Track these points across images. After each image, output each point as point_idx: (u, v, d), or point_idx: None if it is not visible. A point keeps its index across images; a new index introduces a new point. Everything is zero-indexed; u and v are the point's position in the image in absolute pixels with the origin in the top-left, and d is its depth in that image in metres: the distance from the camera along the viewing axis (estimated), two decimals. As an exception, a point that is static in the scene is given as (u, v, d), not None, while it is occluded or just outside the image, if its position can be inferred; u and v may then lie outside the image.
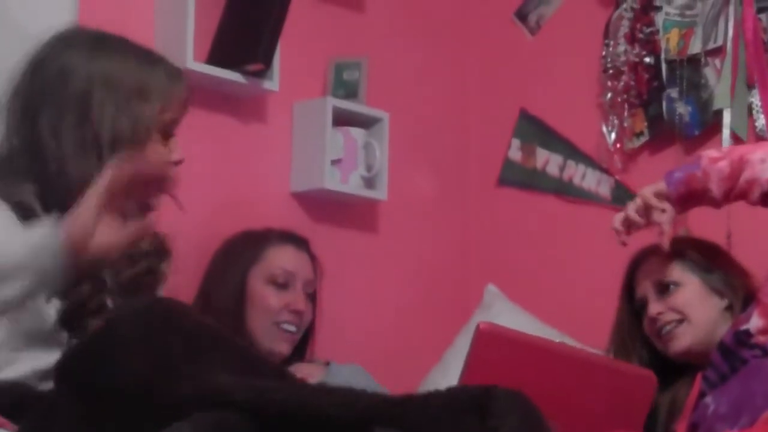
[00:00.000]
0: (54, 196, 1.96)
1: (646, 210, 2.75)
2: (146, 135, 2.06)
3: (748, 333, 2.57)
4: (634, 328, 2.83)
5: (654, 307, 2.78)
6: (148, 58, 2.17)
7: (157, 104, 2.10)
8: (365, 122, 3.52)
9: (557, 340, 2.84)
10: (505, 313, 3.53)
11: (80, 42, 2.14)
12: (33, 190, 1.98)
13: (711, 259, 2.84)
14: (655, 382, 2.59)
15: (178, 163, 2.17)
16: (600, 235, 3.63)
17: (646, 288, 2.83)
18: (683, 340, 2.75)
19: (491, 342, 2.31)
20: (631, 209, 2.75)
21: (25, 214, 1.92)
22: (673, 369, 2.77)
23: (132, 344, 1.70)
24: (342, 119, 3.46)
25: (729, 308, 2.78)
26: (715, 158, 2.64)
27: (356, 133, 3.48)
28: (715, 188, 2.63)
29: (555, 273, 3.72)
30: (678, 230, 3.45)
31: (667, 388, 2.73)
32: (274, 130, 3.42)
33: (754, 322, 2.57)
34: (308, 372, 2.84)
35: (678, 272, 2.81)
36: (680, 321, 2.76)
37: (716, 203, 2.69)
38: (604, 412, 2.43)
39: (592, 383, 2.42)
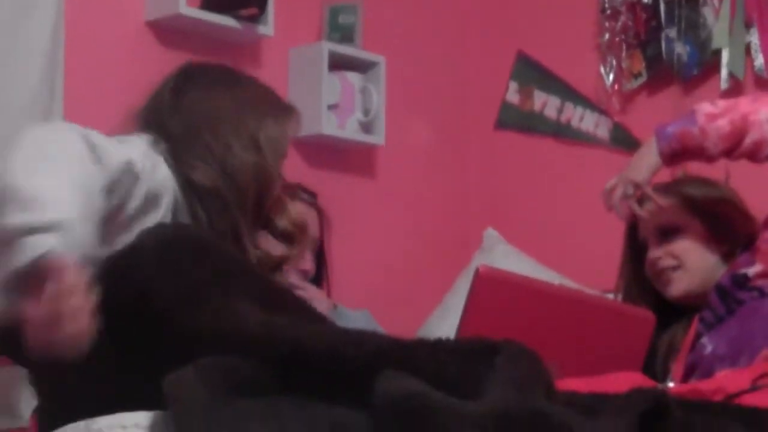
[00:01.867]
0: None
1: (641, 198, 2.72)
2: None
3: (746, 276, 2.56)
4: (638, 270, 2.82)
5: (653, 252, 2.75)
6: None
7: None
8: (362, 66, 3.50)
9: (556, 283, 2.84)
10: (504, 256, 3.53)
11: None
12: None
13: (714, 203, 2.79)
14: (654, 321, 2.58)
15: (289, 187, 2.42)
16: (599, 176, 3.62)
17: (647, 231, 2.79)
18: (679, 284, 2.71)
19: (490, 285, 2.31)
20: (621, 193, 2.70)
21: None
22: (675, 310, 2.77)
23: (157, 266, 1.68)
24: (338, 64, 3.44)
25: (729, 253, 2.77)
26: (713, 115, 2.59)
27: (353, 77, 3.47)
28: (712, 146, 2.59)
29: (554, 216, 3.72)
30: (676, 173, 3.44)
31: (667, 329, 2.72)
32: (270, 75, 3.35)
33: (754, 268, 2.55)
34: (317, 297, 2.84)
35: (680, 217, 2.74)
36: (677, 267, 2.72)
37: (711, 160, 2.65)
38: (604, 352, 2.42)
39: (592, 324, 2.42)
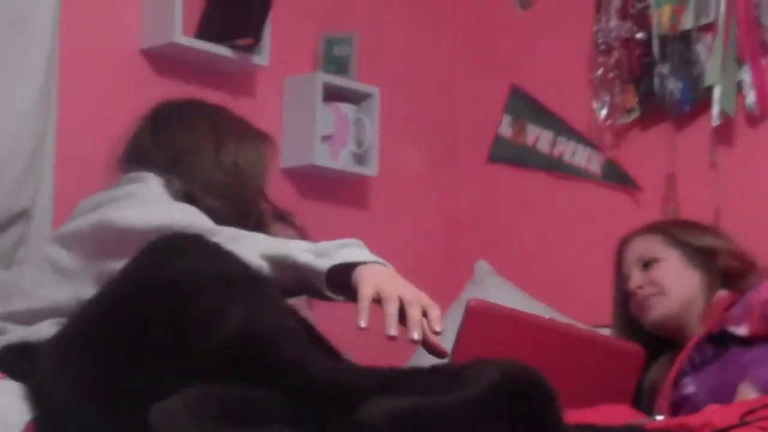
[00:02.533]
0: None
1: None
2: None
3: (732, 336, 2.59)
4: (626, 306, 2.85)
5: (634, 281, 2.80)
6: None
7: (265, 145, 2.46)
8: (356, 98, 3.50)
9: (547, 316, 2.84)
10: (495, 289, 3.52)
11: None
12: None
13: (692, 234, 2.86)
14: (643, 355, 2.60)
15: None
16: (590, 211, 3.63)
17: (629, 266, 2.84)
18: (658, 310, 2.76)
19: (481, 318, 2.32)
20: None
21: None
22: (660, 346, 2.78)
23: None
24: (332, 95, 3.43)
25: (708, 283, 2.80)
26: None
27: (347, 108, 3.46)
28: None
29: (545, 249, 3.71)
30: (667, 209, 3.44)
31: (652, 365, 2.75)
32: (264, 105, 3.39)
33: (742, 329, 2.59)
34: None
35: (659, 248, 2.82)
36: (657, 293, 2.77)
37: None
38: (594, 385, 2.43)
39: (582, 357, 2.43)
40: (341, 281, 1.95)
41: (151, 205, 2.12)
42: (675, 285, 2.78)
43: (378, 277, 1.90)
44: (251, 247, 1.94)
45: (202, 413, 1.51)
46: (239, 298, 1.70)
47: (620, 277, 2.88)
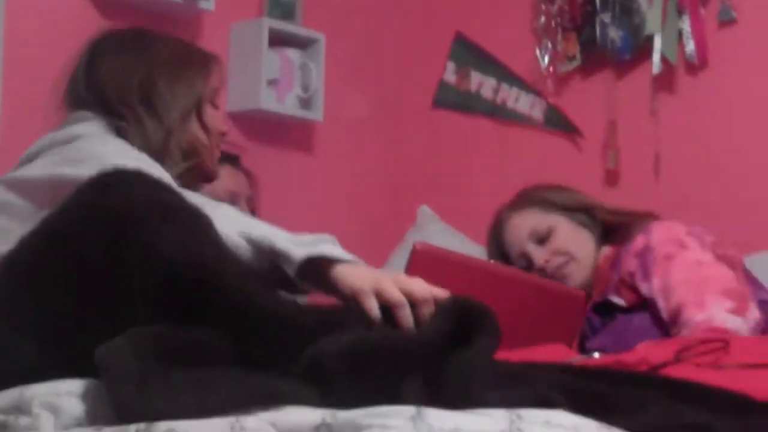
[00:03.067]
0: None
1: None
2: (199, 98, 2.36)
3: (613, 305, 2.68)
4: None
5: (540, 256, 2.81)
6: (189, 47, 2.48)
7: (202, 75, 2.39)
8: (302, 43, 3.49)
9: (492, 261, 2.85)
10: (437, 234, 3.53)
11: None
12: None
13: (562, 196, 2.90)
14: (584, 299, 2.62)
15: (224, 134, 2.43)
16: (533, 156, 3.65)
17: (522, 245, 2.85)
18: (575, 278, 2.79)
19: (426, 260, 2.32)
20: None
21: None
22: None
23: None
24: (278, 40, 3.42)
25: (596, 240, 2.85)
26: None
27: (293, 53, 3.46)
28: None
29: (488, 194, 3.71)
30: (608, 155, 3.47)
31: None
32: (210, 50, 3.36)
33: (620, 300, 2.67)
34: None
35: (547, 218, 2.84)
36: (567, 261, 2.79)
37: None
38: (537, 327, 2.45)
39: (525, 300, 2.44)
40: (315, 273, 1.94)
41: (104, 154, 2.10)
42: (579, 248, 2.81)
43: (364, 274, 1.89)
44: (227, 223, 1.92)
45: (147, 354, 1.51)
46: (180, 227, 1.66)
47: (507, 260, 2.87)
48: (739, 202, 3.24)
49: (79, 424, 1.52)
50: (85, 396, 1.54)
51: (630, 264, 2.67)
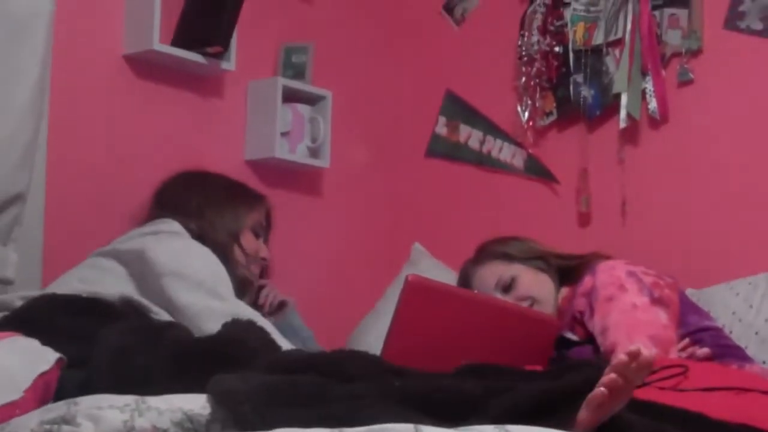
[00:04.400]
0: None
1: None
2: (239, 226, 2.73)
3: (568, 341, 2.65)
4: None
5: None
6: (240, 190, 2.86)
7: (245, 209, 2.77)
8: (311, 99, 3.50)
9: (476, 291, 2.84)
10: (429, 268, 3.52)
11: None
12: None
13: (517, 247, 2.87)
14: (557, 324, 2.61)
15: (264, 259, 2.81)
16: (514, 200, 3.66)
17: (489, 291, 2.81)
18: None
19: (418, 291, 2.31)
20: None
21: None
22: None
23: None
24: (290, 97, 3.44)
25: (554, 283, 2.83)
26: None
27: (303, 109, 3.47)
28: None
29: (474, 233, 3.71)
30: (580, 199, 3.48)
31: None
32: (231, 105, 3.39)
33: (574, 337, 2.65)
34: (276, 289, 2.92)
35: (509, 268, 2.81)
36: (531, 305, 2.75)
37: None
38: (516, 350, 2.45)
39: (506, 327, 2.44)
40: None
41: (174, 245, 2.48)
42: (540, 291, 2.78)
43: None
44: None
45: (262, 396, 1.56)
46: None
47: None
48: (694, 241, 3.25)
49: (117, 434, 1.53)
50: (124, 409, 1.55)
51: (579, 303, 2.66)
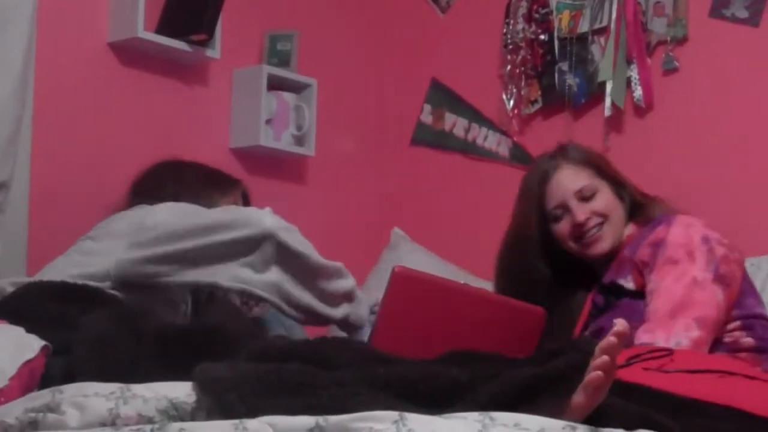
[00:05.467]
0: None
1: None
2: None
3: (621, 287, 2.55)
4: (538, 240, 2.69)
5: (582, 212, 2.62)
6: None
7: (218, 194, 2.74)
8: (296, 87, 3.51)
9: (462, 281, 2.84)
10: (409, 253, 3.52)
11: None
12: None
13: (611, 167, 2.74)
14: (544, 316, 2.60)
15: None
16: (499, 188, 3.66)
17: (566, 197, 2.65)
18: (606, 241, 2.62)
19: (405, 282, 2.30)
20: None
21: None
22: (569, 282, 2.70)
23: None
24: (275, 84, 3.44)
25: (625, 214, 2.69)
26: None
27: (288, 96, 3.47)
28: None
29: (459, 220, 3.74)
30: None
31: (561, 304, 2.65)
32: (216, 93, 3.39)
33: (628, 283, 2.54)
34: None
35: (594, 180, 2.66)
36: (602, 222, 2.62)
37: None
38: (501, 341, 2.44)
39: (492, 317, 2.43)
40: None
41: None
42: (615, 216, 2.65)
43: None
44: None
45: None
46: None
47: (540, 202, 2.69)
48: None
49: (102, 422, 1.54)
50: (109, 397, 1.56)
51: (644, 253, 2.52)
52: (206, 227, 2.34)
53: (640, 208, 2.69)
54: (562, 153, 2.72)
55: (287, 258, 2.40)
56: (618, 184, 2.69)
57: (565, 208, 2.65)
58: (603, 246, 2.62)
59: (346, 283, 2.52)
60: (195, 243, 2.33)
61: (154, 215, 2.41)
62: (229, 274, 2.32)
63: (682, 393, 1.85)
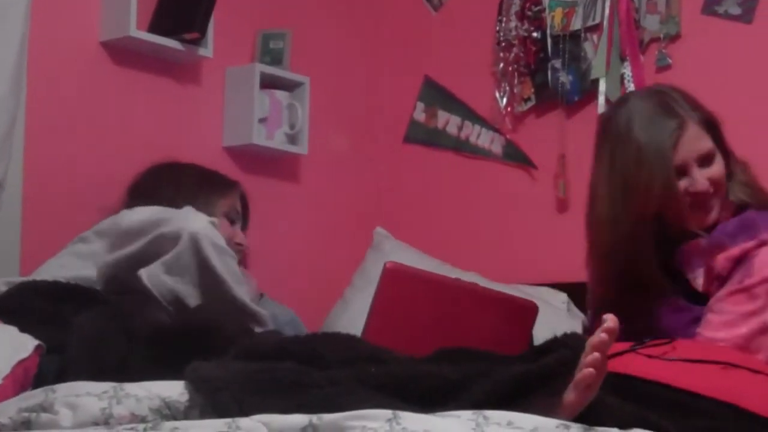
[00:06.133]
0: None
1: None
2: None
3: (688, 284, 2.35)
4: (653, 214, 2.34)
5: (702, 181, 2.32)
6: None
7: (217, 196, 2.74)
8: (289, 86, 3.51)
9: (453, 276, 2.84)
10: (393, 250, 3.50)
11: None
12: None
13: (722, 135, 2.42)
14: (536, 310, 2.59)
15: (240, 245, 2.77)
16: (492, 185, 3.67)
17: (689, 158, 2.33)
18: (714, 212, 2.35)
19: (397, 278, 2.30)
20: None
21: None
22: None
23: None
24: (268, 83, 3.44)
25: None
26: None
27: (281, 95, 3.47)
28: None
29: (453, 218, 3.74)
30: (558, 184, 3.48)
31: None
32: (209, 91, 3.39)
33: (698, 280, 2.32)
34: (251, 283, 2.87)
35: (713, 147, 2.36)
36: (716, 193, 2.35)
37: None
38: (494, 336, 2.44)
39: (486, 312, 2.43)
40: None
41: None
42: (723, 187, 2.37)
43: None
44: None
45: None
46: None
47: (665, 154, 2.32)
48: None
49: (95, 421, 1.54)
50: (102, 396, 1.56)
51: (722, 266, 2.27)
52: (142, 227, 2.36)
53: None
54: (681, 106, 2.37)
55: (204, 272, 2.31)
56: (726, 153, 2.41)
57: (685, 169, 2.33)
58: (711, 218, 2.36)
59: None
60: (140, 243, 2.34)
61: (129, 217, 2.42)
62: (150, 273, 2.30)
63: (682, 385, 1.83)
